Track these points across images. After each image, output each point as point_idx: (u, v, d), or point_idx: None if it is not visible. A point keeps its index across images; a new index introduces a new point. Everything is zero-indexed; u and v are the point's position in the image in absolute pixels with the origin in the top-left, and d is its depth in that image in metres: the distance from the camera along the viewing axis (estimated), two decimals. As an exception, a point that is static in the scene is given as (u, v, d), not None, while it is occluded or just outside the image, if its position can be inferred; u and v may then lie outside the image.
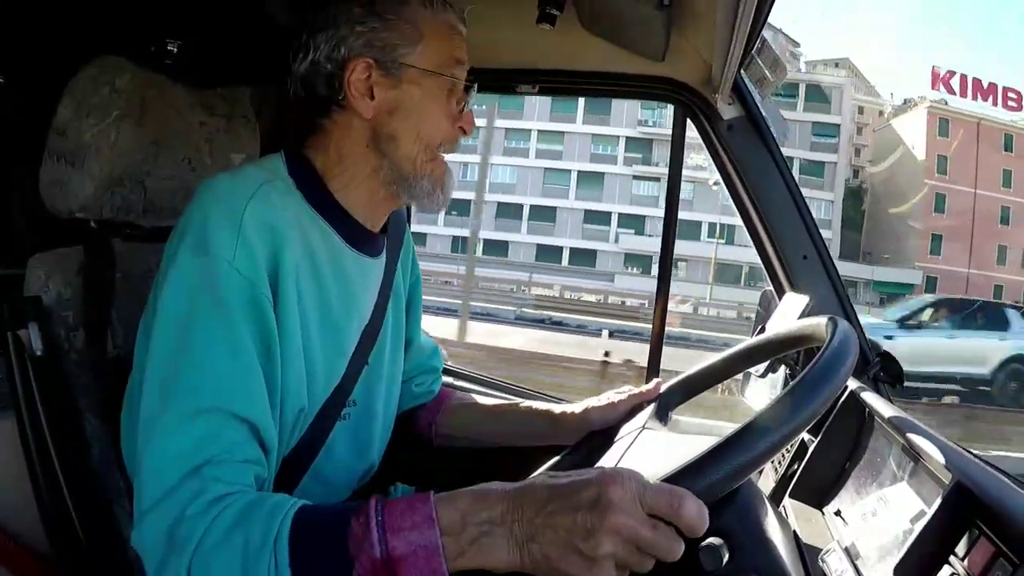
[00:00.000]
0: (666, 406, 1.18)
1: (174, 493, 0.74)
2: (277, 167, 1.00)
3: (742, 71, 1.40)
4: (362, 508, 0.71)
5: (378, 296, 1.12)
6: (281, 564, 0.69)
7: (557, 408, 1.25)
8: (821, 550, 0.94)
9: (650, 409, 1.16)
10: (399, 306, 1.21)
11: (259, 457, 0.83)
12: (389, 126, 1.00)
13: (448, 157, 1.05)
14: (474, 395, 1.41)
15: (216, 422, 0.79)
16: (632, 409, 1.20)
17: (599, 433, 1.18)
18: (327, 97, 1.00)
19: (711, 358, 1.19)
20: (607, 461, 1.01)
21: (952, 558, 0.75)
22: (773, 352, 1.14)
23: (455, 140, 1.05)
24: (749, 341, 1.18)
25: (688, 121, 1.61)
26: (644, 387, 1.23)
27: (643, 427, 1.10)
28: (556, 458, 1.12)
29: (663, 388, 1.20)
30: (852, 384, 1.17)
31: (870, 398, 1.11)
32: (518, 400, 1.36)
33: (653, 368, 1.77)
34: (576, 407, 1.23)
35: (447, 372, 1.87)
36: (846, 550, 0.93)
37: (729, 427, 0.77)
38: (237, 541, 0.71)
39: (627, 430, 1.14)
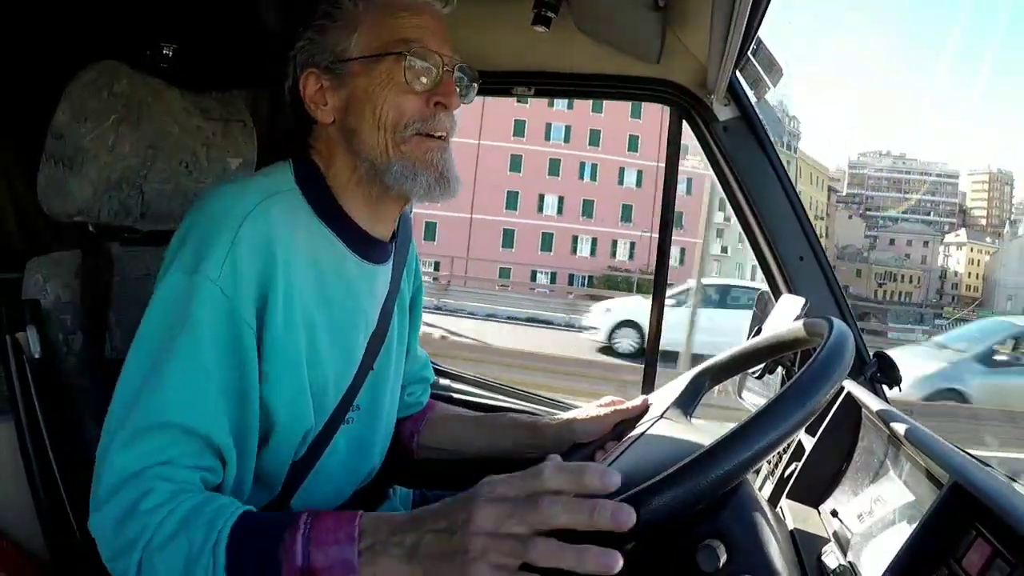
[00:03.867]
0: (694, 394, 1.17)
1: (125, 492, 0.78)
2: (285, 176, 1.00)
3: (737, 72, 1.41)
4: (295, 519, 0.76)
5: (384, 302, 1.11)
6: (218, 567, 0.73)
7: (540, 420, 1.25)
8: (818, 550, 0.94)
9: (672, 398, 1.16)
10: (404, 312, 1.21)
11: (213, 466, 0.85)
12: (349, 123, 1.00)
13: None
14: (460, 399, 1.41)
15: (171, 435, 0.81)
16: (616, 424, 1.19)
17: (582, 446, 1.18)
18: (302, 116, 1.03)
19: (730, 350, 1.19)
20: (614, 452, 1.02)
21: (949, 558, 0.75)
22: (775, 352, 1.14)
23: (428, 117, 1.00)
24: (747, 343, 1.19)
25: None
26: (630, 403, 1.22)
27: (661, 416, 1.10)
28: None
29: (697, 370, 1.19)
30: (849, 385, 1.17)
31: (866, 399, 1.11)
32: (501, 412, 1.36)
33: (649, 377, 1.76)
34: (559, 419, 1.23)
35: (438, 372, 1.87)
36: (843, 550, 0.93)
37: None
38: (181, 542, 0.75)
39: (648, 417, 1.14)
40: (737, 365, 1.20)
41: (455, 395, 1.83)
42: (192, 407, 0.83)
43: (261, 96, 1.54)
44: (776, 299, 1.47)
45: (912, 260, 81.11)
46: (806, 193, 59.85)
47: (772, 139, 1.46)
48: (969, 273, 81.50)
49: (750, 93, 1.45)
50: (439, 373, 1.81)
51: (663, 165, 1.86)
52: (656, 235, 1.77)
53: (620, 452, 1.00)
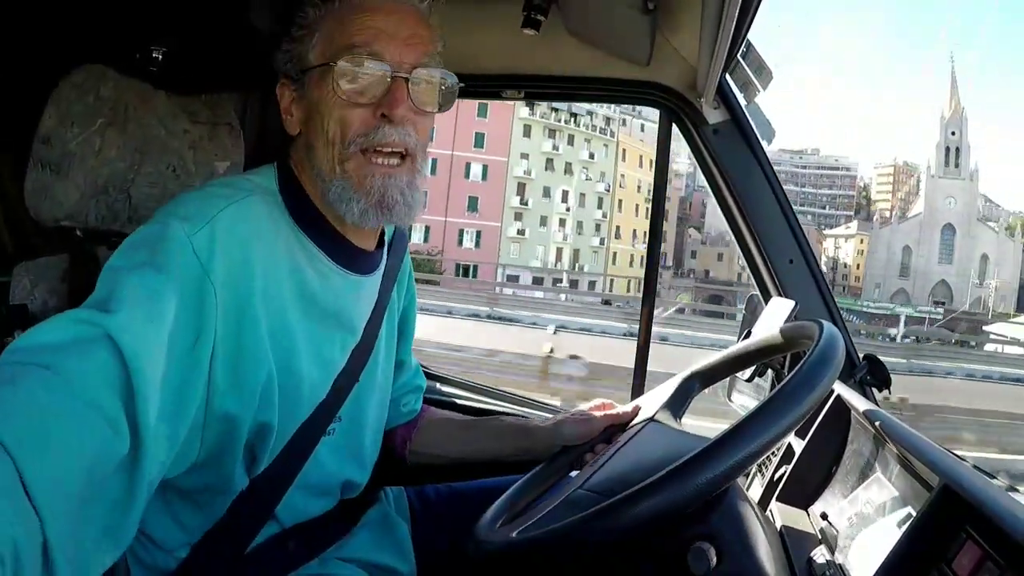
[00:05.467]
0: (683, 397, 1.18)
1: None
2: (268, 180, 0.97)
3: (727, 75, 1.41)
4: None
5: (371, 314, 1.08)
6: None
7: (530, 423, 1.24)
8: (808, 553, 0.94)
9: (662, 401, 1.16)
10: (392, 324, 1.18)
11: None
12: (308, 137, 0.97)
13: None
14: (450, 402, 1.40)
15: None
16: (607, 428, 1.19)
17: (572, 448, 1.18)
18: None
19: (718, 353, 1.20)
20: (606, 453, 1.02)
21: (940, 561, 0.75)
22: (766, 354, 1.14)
23: (376, 131, 0.93)
24: (737, 345, 1.19)
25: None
26: (622, 408, 1.22)
27: (652, 419, 1.11)
28: (535, 469, 1.12)
29: (687, 373, 1.19)
30: (839, 388, 1.17)
31: (857, 401, 1.11)
32: (491, 416, 1.35)
33: (639, 379, 1.76)
34: (549, 422, 1.22)
35: (430, 376, 1.87)
36: (833, 552, 0.93)
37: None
38: None
39: (637, 421, 1.15)
40: (727, 368, 1.21)
41: (445, 398, 1.82)
42: (136, 337, 0.73)
43: (251, 99, 1.54)
44: (766, 302, 1.47)
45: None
46: (633, 176, 61.42)
47: (762, 142, 1.46)
48: (858, 264, 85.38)
49: (740, 96, 1.46)
50: (430, 376, 1.80)
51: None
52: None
53: (611, 455, 1.00)
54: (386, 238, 1.12)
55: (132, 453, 0.70)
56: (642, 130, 66.78)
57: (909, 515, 0.86)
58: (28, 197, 1.09)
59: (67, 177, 1.08)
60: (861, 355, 1.37)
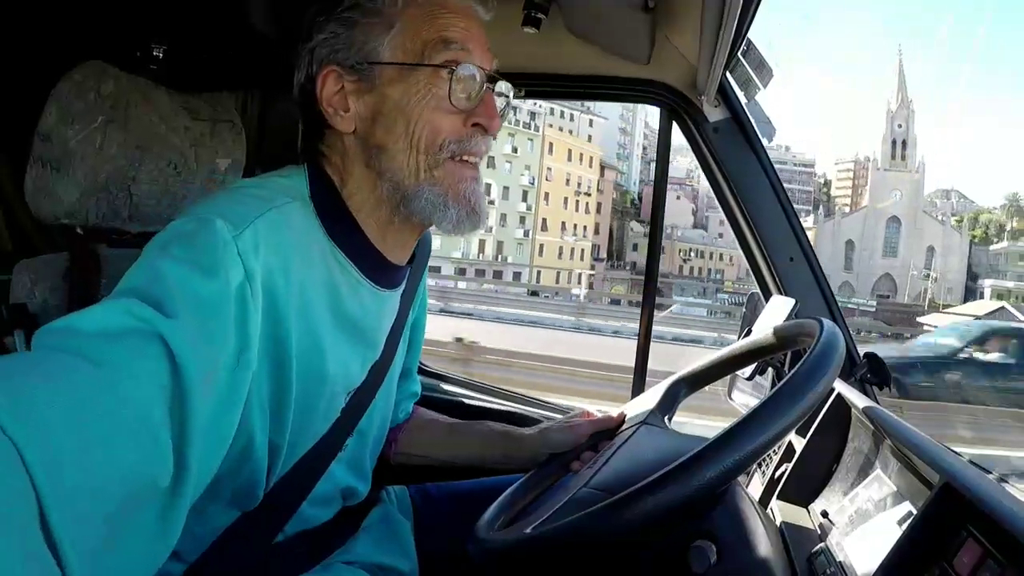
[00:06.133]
0: (671, 401, 1.18)
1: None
2: (299, 185, 0.89)
3: (727, 73, 1.41)
4: None
5: (391, 330, 1.04)
6: None
7: (514, 431, 1.22)
8: (808, 551, 0.94)
9: (652, 404, 1.16)
10: (407, 336, 1.15)
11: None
12: (375, 137, 0.89)
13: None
14: (444, 399, 1.38)
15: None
16: (592, 435, 1.18)
17: (558, 456, 1.17)
18: (313, 118, 0.92)
19: (709, 356, 1.19)
20: (605, 454, 1.02)
21: (940, 559, 0.75)
22: (763, 353, 1.14)
23: (468, 140, 0.90)
24: (737, 343, 1.19)
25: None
26: (606, 415, 1.21)
27: (644, 422, 1.11)
28: (530, 472, 1.12)
29: (673, 379, 1.19)
30: (839, 386, 1.17)
31: (857, 399, 1.11)
32: (479, 419, 1.31)
33: (638, 382, 1.76)
34: (534, 430, 1.20)
35: (431, 375, 1.86)
36: (833, 551, 0.93)
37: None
38: None
39: (628, 424, 1.14)
40: (720, 370, 1.20)
41: (438, 395, 1.82)
42: (190, 346, 0.65)
43: (251, 97, 1.54)
44: (766, 300, 1.47)
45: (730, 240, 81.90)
46: (561, 169, 62.11)
47: (763, 140, 1.46)
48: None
49: (740, 94, 1.46)
50: (424, 372, 1.80)
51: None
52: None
53: (607, 458, 1.00)
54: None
55: (174, 480, 0.61)
56: (591, 125, 68.51)
57: (910, 513, 0.86)
58: (28, 195, 1.09)
59: (68, 175, 1.07)
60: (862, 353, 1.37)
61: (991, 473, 0.92)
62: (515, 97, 1.01)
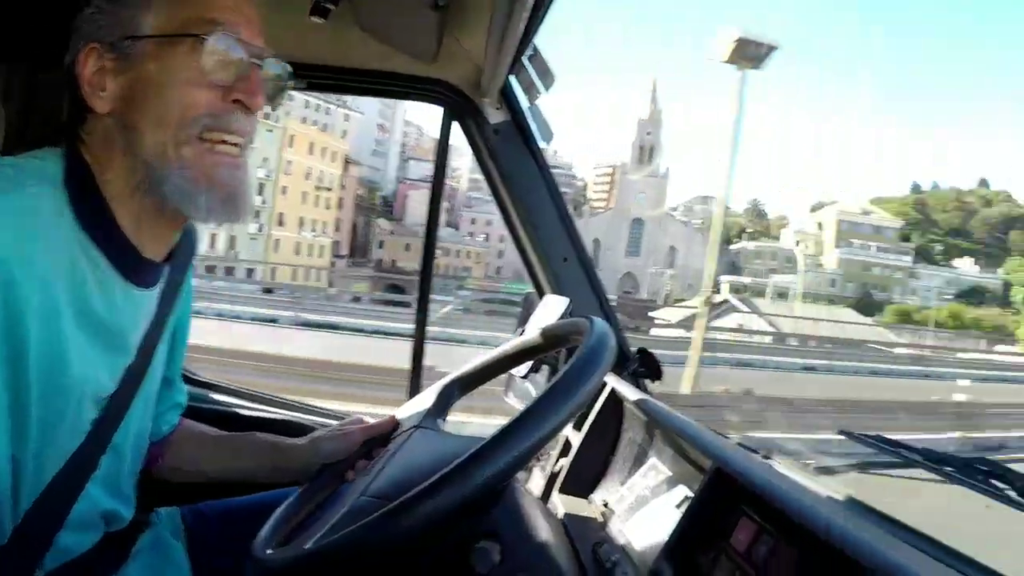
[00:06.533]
0: (444, 403, 1.15)
1: None
2: (54, 170, 0.81)
3: (511, 77, 1.43)
4: None
5: (148, 333, 0.95)
6: None
7: (284, 442, 1.16)
8: (592, 541, 0.98)
9: (426, 407, 1.13)
10: (167, 341, 1.04)
11: None
12: (129, 116, 0.83)
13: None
14: (213, 409, 1.28)
15: None
16: (365, 442, 1.14)
17: (331, 465, 1.12)
18: (76, 100, 0.84)
19: (483, 355, 1.19)
20: (380, 460, 0.99)
21: (720, 538, 0.82)
22: (536, 352, 1.17)
23: (226, 115, 0.85)
24: (513, 341, 1.21)
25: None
26: (377, 420, 1.18)
27: (418, 426, 1.08)
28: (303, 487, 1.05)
29: (446, 381, 1.17)
30: (612, 381, 1.24)
31: (629, 393, 1.19)
32: (249, 431, 1.23)
33: (415, 382, 1.74)
34: (303, 440, 1.15)
35: (199, 384, 1.68)
36: (616, 538, 0.98)
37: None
38: None
39: (402, 428, 1.11)
40: (492, 371, 1.21)
41: (208, 405, 1.64)
42: None
43: (14, 71, 1.26)
44: (541, 299, 1.52)
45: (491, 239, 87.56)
46: (302, 163, 62.71)
47: (541, 144, 1.51)
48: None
49: (523, 98, 1.49)
50: (192, 382, 1.61)
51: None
52: None
53: (382, 465, 0.97)
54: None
55: None
56: (346, 120, 68.78)
57: (687, 497, 0.93)
58: None
59: None
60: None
61: (757, 453, 1.03)
62: (296, 88, 0.98)
